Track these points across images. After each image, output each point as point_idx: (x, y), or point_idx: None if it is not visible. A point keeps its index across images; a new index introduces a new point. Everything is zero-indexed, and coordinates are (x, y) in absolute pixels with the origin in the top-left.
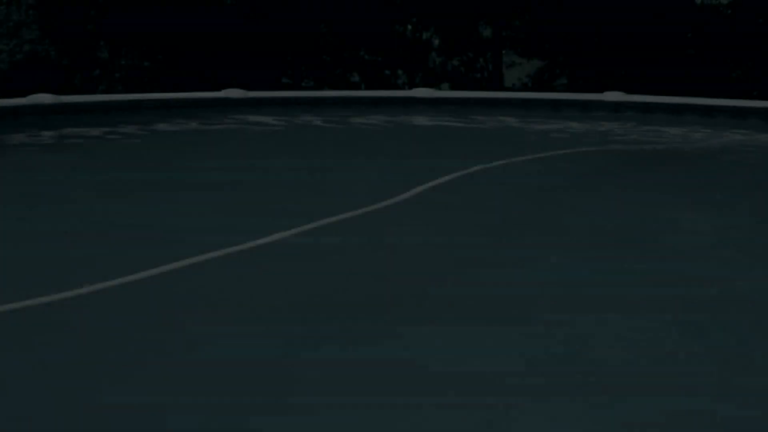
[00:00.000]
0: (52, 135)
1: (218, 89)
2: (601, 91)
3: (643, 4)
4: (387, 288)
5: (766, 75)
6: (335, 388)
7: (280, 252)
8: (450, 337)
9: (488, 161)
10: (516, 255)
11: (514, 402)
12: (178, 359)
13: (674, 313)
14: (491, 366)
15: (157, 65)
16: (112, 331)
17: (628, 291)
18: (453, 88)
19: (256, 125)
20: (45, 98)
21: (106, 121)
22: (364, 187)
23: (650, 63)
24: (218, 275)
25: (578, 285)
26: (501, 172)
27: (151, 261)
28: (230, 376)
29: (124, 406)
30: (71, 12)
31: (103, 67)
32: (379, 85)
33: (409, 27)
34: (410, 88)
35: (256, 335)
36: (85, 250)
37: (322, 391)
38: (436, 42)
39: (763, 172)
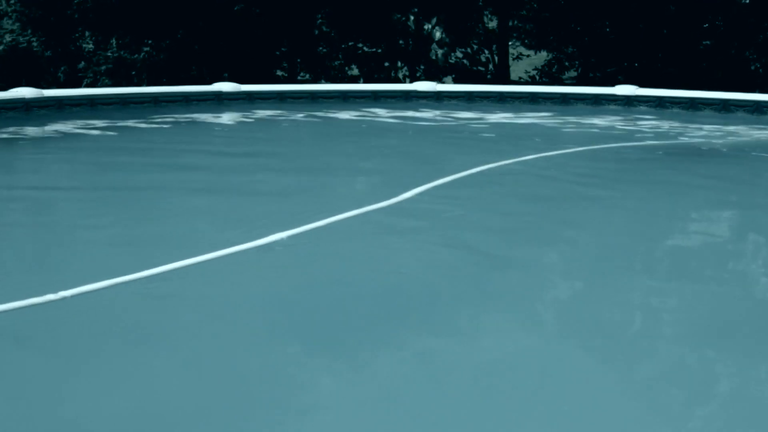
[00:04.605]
0: (34, 131)
1: (209, 82)
2: (612, 84)
3: None
4: (387, 288)
5: None
6: (335, 386)
7: (277, 253)
8: (450, 338)
9: (493, 160)
10: (521, 258)
11: (518, 402)
12: (174, 358)
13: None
14: (496, 366)
15: (145, 57)
16: (100, 333)
17: (633, 295)
18: (456, 81)
19: (250, 121)
20: (26, 92)
21: (93, 117)
22: (363, 186)
23: (665, 55)
24: (216, 276)
25: (583, 290)
26: (506, 172)
27: (145, 262)
28: (228, 376)
29: (116, 404)
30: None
31: (88, 60)
32: (379, 79)
33: (411, 17)
34: (411, 81)
35: (256, 335)
36: (75, 250)
37: (322, 391)
38: (438, 33)
39: None
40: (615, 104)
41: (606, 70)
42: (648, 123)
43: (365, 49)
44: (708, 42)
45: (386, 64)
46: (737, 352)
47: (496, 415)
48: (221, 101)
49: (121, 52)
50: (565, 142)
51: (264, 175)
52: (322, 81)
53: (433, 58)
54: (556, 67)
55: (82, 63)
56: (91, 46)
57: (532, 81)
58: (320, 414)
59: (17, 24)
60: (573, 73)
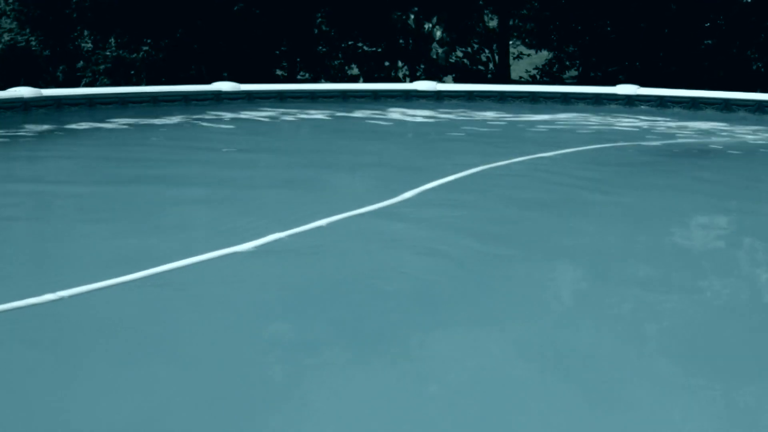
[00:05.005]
0: (32, 131)
1: (209, 82)
2: (613, 83)
3: None
4: (387, 288)
5: None
6: (335, 386)
7: (276, 253)
8: (450, 339)
9: (493, 160)
10: (521, 258)
11: (521, 403)
12: (173, 359)
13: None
14: (497, 367)
15: (144, 56)
16: (99, 334)
17: (633, 297)
18: (456, 80)
19: (249, 120)
20: (25, 92)
21: (90, 116)
22: (363, 185)
23: (666, 54)
24: (215, 276)
25: (584, 291)
26: (507, 172)
27: (144, 261)
28: (228, 376)
29: (115, 405)
30: None
31: (87, 59)
32: (379, 78)
33: (411, 16)
34: (411, 80)
35: (256, 335)
36: (74, 250)
37: (322, 391)
38: (439, 32)
39: None
40: (616, 104)
41: (607, 69)
42: (649, 122)
43: (365, 48)
44: (709, 41)
45: (386, 63)
46: (742, 358)
47: (496, 416)
48: (220, 101)
49: (120, 52)
50: (566, 141)
51: (263, 174)
52: (322, 80)
53: (434, 57)
54: (556, 66)
55: (81, 62)
56: (89, 45)
57: (533, 80)
58: (320, 414)
59: (15, 23)
60: (574, 73)
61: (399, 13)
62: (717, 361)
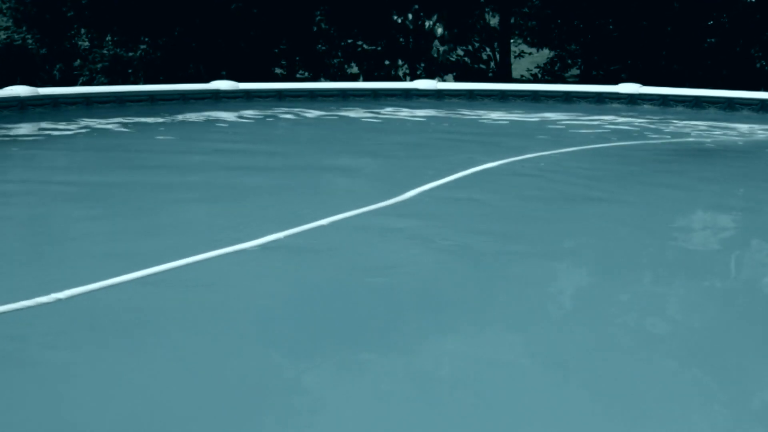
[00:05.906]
0: (29, 130)
1: (207, 81)
2: (615, 82)
3: None
4: (388, 288)
5: None
6: (334, 387)
7: (277, 252)
8: (452, 338)
9: (494, 159)
10: (523, 257)
11: (523, 404)
12: (171, 359)
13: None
14: (498, 366)
15: (142, 55)
16: (97, 335)
17: (634, 294)
18: (457, 79)
19: (248, 119)
20: (21, 90)
21: (88, 115)
22: (362, 185)
23: (669, 53)
24: (214, 276)
25: (585, 292)
26: (508, 171)
27: (142, 262)
28: (226, 377)
29: (114, 405)
30: None
31: (84, 58)
32: (379, 77)
33: (410, 16)
34: (412, 79)
35: (254, 336)
36: (71, 250)
37: (322, 391)
38: (439, 30)
39: None
40: (618, 102)
41: (609, 68)
42: (652, 122)
43: (365, 46)
44: (713, 39)
45: (386, 61)
46: (745, 354)
47: (495, 416)
48: (219, 99)
49: (118, 50)
50: (568, 141)
51: (262, 174)
52: (321, 79)
53: (434, 55)
54: (558, 65)
55: (78, 61)
56: (86, 43)
57: (534, 79)
58: (319, 414)
59: (11, 21)
60: (576, 71)
61: (396, 17)
62: (727, 361)
